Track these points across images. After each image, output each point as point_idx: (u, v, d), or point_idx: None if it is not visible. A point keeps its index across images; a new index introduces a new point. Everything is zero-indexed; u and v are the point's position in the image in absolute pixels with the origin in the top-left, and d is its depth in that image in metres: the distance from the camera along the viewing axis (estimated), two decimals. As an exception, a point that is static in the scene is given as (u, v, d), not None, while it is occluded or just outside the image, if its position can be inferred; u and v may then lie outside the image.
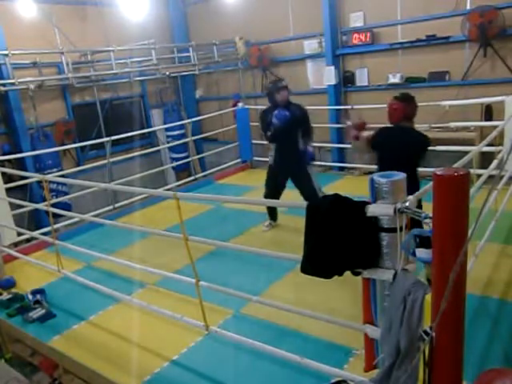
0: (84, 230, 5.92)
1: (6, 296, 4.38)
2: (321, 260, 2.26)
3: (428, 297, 1.91)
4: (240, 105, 8.30)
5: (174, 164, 8.86)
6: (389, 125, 3.85)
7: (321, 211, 2.23)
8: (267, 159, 5.46)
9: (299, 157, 5.21)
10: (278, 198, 5.23)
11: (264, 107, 5.56)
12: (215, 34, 9.47)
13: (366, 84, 8.11)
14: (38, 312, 4.05)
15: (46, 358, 3.78)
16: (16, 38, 7.36)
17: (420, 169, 3.74)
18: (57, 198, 6.82)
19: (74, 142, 7.77)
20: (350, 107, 7.96)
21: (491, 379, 1.70)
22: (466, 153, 3.40)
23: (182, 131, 8.97)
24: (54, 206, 4.91)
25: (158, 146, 9.03)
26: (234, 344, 3.16)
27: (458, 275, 1.70)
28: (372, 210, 2.11)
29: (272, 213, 5.51)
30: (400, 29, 7.54)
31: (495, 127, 4.54)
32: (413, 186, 2.45)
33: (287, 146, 5.18)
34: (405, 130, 3.76)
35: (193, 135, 8.39)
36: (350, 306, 3.45)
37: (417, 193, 2.23)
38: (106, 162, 6.62)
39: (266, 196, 5.34)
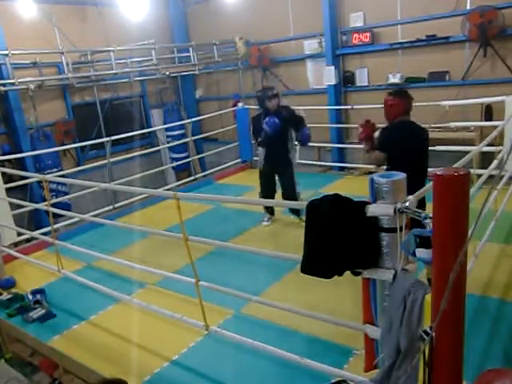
0: (84, 229, 5.92)
1: (5, 296, 4.39)
2: (321, 260, 2.26)
3: (428, 297, 1.91)
4: (240, 105, 8.29)
5: (174, 164, 8.86)
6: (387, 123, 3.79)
7: (321, 211, 2.23)
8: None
9: (286, 160, 5.46)
10: (273, 197, 5.52)
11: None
12: (215, 33, 9.47)
13: (366, 84, 8.11)
14: (38, 312, 4.05)
15: (46, 358, 3.78)
16: (16, 37, 7.36)
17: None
18: (57, 198, 6.82)
19: (74, 142, 7.78)
20: (350, 107, 7.97)
21: (491, 379, 1.70)
22: (466, 153, 3.40)
23: (182, 131, 8.97)
24: (53, 205, 4.91)
25: (158, 146, 9.03)
26: (234, 344, 3.16)
27: (457, 275, 1.70)
28: (372, 209, 2.11)
29: (270, 208, 5.68)
30: (400, 29, 7.55)
31: (495, 127, 4.54)
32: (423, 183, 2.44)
33: (275, 151, 5.40)
34: (409, 124, 3.70)
35: (193, 135, 8.39)
36: (350, 306, 3.44)
37: (417, 193, 2.23)
38: (106, 162, 6.62)
39: (263, 196, 5.55)
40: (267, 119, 5.19)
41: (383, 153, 3.64)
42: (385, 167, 3.70)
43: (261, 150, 5.52)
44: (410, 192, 2.16)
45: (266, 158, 5.45)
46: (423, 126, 3.82)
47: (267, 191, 5.53)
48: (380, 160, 3.74)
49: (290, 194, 5.40)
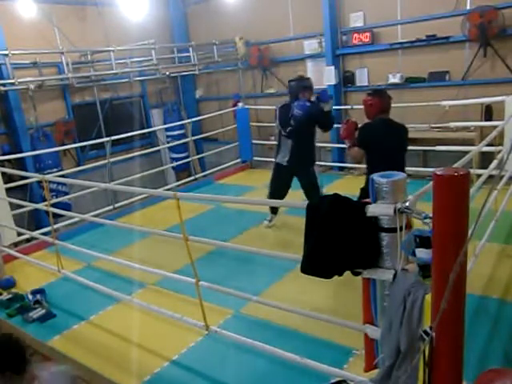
0: (84, 229, 5.91)
1: (5, 296, 4.38)
2: (321, 260, 2.26)
3: (428, 297, 1.91)
4: (240, 105, 8.30)
5: (174, 164, 8.86)
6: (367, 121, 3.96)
7: (321, 211, 2.23)
8: (267, 159, 5.45)
9: (313, 155, 5.26)
10: (283, 198, 5.18)
11: (261, 107, 5.54)
12: (215, 33, 9.47)
13: (366, 84, 8.10)
14: (38, 312, 4.04)
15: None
16: (16, 38, 7.35)
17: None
18: (57, 198, 6.82)
19: (74, 142, 7.77)
20: (350, 107, 7.97)
21: (491, 379, 1.70)
22: (466, 153, 3.40)
23: (182, 131, 8.96)
24: (54, 205, 4.91)
25: (158, 146, 9.03)
26: (234, 344, 3.16)
27: (458, 275, 1.70)
28: (372, 210, 2.11)
29: (274, 207, 5.51)
30: (400, 29, 7.54)
31: (495, 127, 4.55)
32: None
33: (303, 145, 5.11)
34: (386, 122, 3.90)
35: (193, 135, 8.38)
36: (350, 306, 3.44)
37: (417, 193, 2.23)
38: (106, 162, 6.63)
39: (272, 196, 5.27)
40: (296, 103, 4.87)
41: (361, 149, 3.85)
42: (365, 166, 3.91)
43: (285, 144, 5.14)
44: None
45: (293, 154, 5.06)
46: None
47: (278, 194, 5.17)
48: (358, 157, 3.95)
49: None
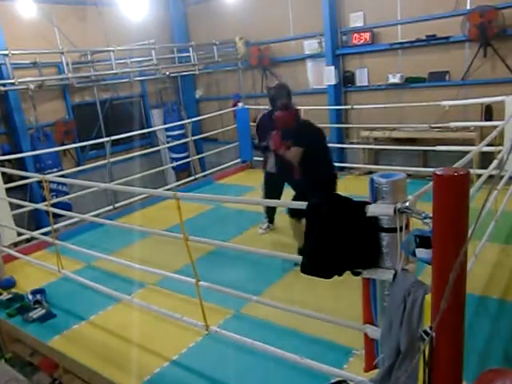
0: (84, 229, 5.91)
1: (5, 296, 4.38)
2: (321, 260, 2.26)
3: (428, 297, 1.91)
4: (240, 105, 8.29)
5: (174, 164, 8.87)
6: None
7: (321, 211, 2.23)
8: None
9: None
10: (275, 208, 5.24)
11: (262, 107, 5.46)
12: (215, 33, 9.47)
13: (366, 84, 8.11)
14: (38, 312, 4.04)
15: (46, 357, 3.78)
16: (16, 38, 7.36)
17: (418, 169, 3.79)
18: (57, 197, 6.82)
19: (74, 142, 7.78)
20: (349, 107, 7.98)
21: (491, 379, 1.69)
22: (466, 153, 3.40)
23: (182, 131, 8.96)
24: (54, 205, 4.91)
25: (158, 146, 9.03)
26: (234, 344, 3.15)
27: (458, 275, 1.69)
28: (372, 210, 2.11)
29: (271, 215, 5.47)
30: (400, 29, 7.55)
31: (495, 127, 4.54)
32: None
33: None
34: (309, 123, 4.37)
35: (193, 135, 8.38)
36: (350, 306, 3.44)
37: (417, 193, 2.23)
38: (105, 162, 6.62)
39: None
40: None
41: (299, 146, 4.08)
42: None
43: (270, 155, 4.99)
44: None
45: (277, 161, 4.76)
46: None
47: (273, 196, 4.95)
48: (298, 155, 4.12)
49: None
